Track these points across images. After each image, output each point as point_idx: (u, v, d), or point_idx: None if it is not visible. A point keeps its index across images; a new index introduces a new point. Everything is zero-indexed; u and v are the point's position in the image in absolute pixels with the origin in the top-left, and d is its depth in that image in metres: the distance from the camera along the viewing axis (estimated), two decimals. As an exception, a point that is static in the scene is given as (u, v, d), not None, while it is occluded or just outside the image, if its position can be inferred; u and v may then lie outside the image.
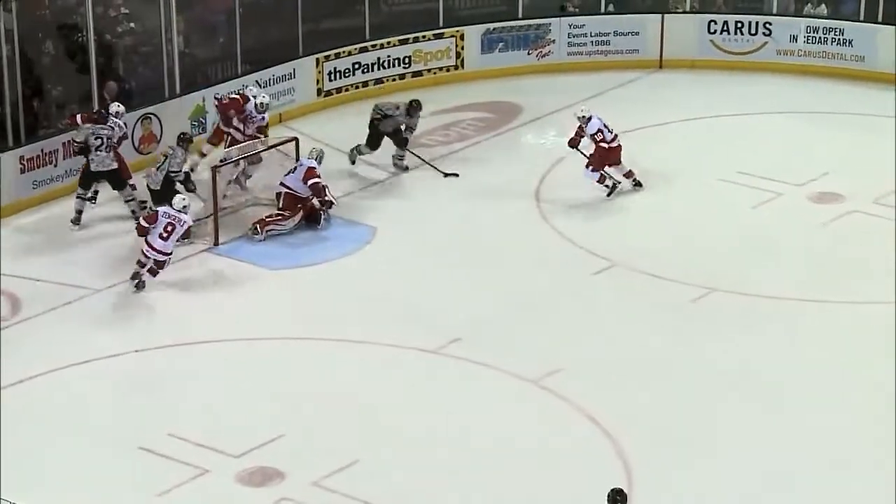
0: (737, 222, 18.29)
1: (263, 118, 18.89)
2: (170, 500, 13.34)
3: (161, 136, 19.76)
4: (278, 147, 18.62)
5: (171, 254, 16.66)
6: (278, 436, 14.14)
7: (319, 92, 21.54)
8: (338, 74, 21.68)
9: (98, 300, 16.64)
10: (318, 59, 21.49)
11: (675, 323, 16.10)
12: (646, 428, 14.24)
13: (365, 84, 21.93)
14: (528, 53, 22.74)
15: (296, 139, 18.71)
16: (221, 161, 18.08)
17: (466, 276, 17.10)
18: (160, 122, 19.78)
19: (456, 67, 22.49)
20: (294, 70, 21.23)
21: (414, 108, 19.43)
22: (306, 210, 17.93)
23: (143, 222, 16.69)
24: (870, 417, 14.46)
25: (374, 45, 21.96)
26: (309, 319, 16.27)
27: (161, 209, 16.70)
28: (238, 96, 19.04)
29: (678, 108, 21.39)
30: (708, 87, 22.14)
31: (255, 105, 18.84)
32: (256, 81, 20.62)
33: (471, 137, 20.60)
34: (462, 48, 22.49)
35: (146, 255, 16.61)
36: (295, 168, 17.99)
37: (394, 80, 22.10)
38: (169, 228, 16.54)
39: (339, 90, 21.69)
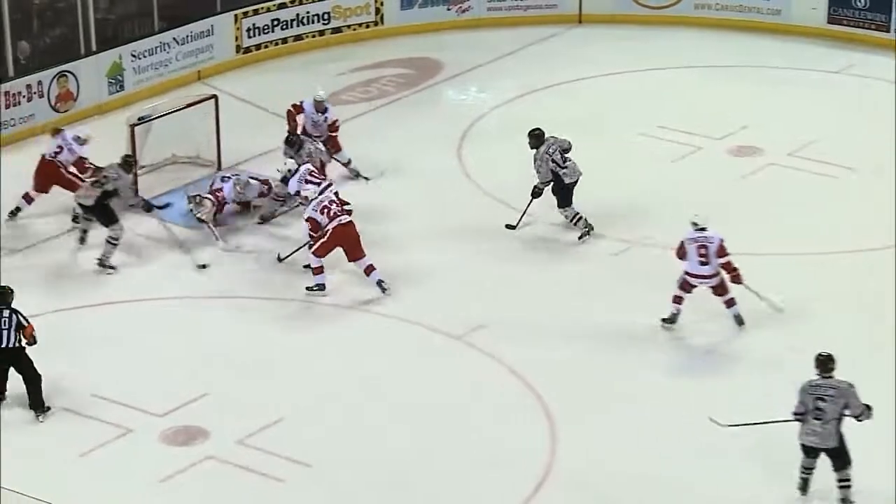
0: (657, 176, 18.32)
1: (326, 117, 17.95)
2: (94, 460, 13.30)
3: (77, 93, 19.67)
4: (198, 105, 18.35)
5: (715, 274, 15.01)
6: (201, 395, 14.10)
7: (238, 49, 21.46)
8: (256, 31, 21.59)
9: (16, 260, 16.49)
10: (236, 16, 21.37)
11: (595, 277, 16.16)
12: (568, 381, 14.31)
13: (284, 41, 21.87)
14: (448, 9, 22.67)
15: (215, 97, 18.51)
16: (140, 119, 17.81)
17: (388, 232, 17.04)
18: (76, 79, 19.69)
19: (375, 23, 22.41)
20: (212, 27, 21.11)
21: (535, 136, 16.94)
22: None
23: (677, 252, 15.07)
24: (795, 368, 14.31)
25: (292, 1, 21.84)
26: (228, 278, 16.23)
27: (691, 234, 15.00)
28: (292, 108, 18.05)
29: (597, 63, 21.38)
30: (626, 41, 22.13)
31: (313, 104, 17.92)
32: (174, 38, 20.68)
33: (391, 94, 20.52)
34: (381, 4, 22.37)
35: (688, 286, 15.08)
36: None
37: (313, 36, 22.05)
38: (702, 251, 15.00)
39: (258, 47, 21.63)
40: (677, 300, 15.09)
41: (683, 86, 20.81)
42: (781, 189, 18.11)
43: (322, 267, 15.82)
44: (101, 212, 16.31)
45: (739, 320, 15.13)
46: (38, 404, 13.88)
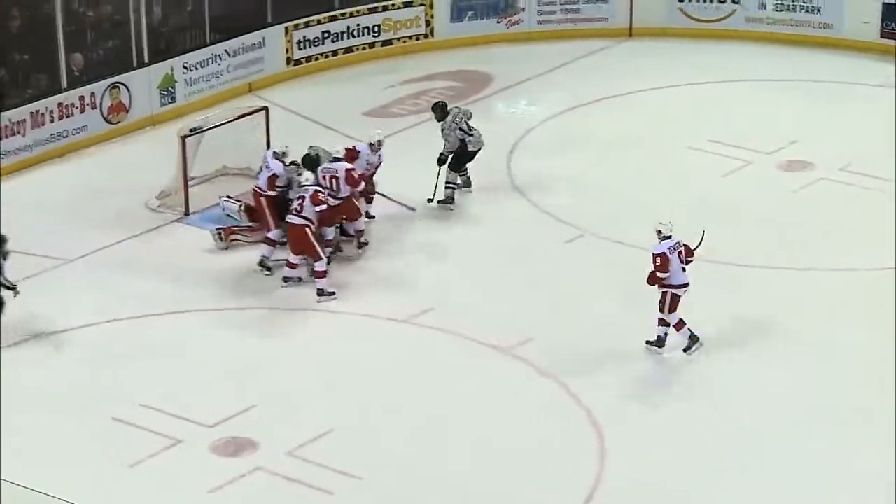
0: (707, 190, 18.24)
1: (380, 154, 17.41)
2: (143, 471, 13.31)
3: (130, 105, 19.79)
4: (248, 116, 18.39)
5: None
6: (251, 405, 14.11)
7: (289, 61, 21.55)
8: (307, 43, 21.68)
9: (68, 271, 16.56)
10: (287, 28, 21.47)
11: (646, 291, 15.71)
12: (616, 394, 14.31)
13: (335, 53, 21.96)
14: (498, 22, 22.73)
15: (265, 108, 18.56)
16: (191, 130, 17.88)
17: (437, 245, 17.11)
18: (129, 91, 19.83)
19: (426, 36, 22.48)
20: (263, 39, 21.23)
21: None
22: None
23: None
24: (840, 380, 14.55)
25: (343, 14, 21.94)
26: (278, 288, 16.25)
27: None
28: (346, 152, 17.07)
29: (647, 76, 21.41)
30: (677, 55, 22.20)
31: (368, 146, 17.29)
32: (226, 50, 20.79)
33: (441, 107, 20.68)
34: (432, 16, 22.45)
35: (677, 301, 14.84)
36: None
37: (363, 48, 22.17)
38: (681, 258, 14.71)
39: (308, 59, 21.72)
40: (664, 322, 14.79)
41: (734, 100, 20.76)
42: (832, 204, 18.00)
43: (294, 264, 16.11)
44: None
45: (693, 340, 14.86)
46: None
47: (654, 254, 14.66)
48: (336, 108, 20.33)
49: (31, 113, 18.89)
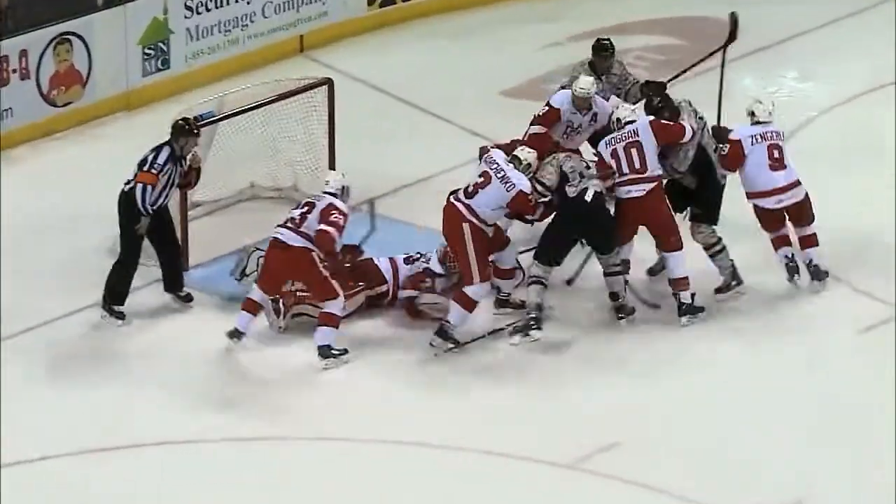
0: None
1: (595, 114, 18.10)
2: None
3: (89, 74, 20.16)
4: (298, 96, 18.66)
5: (797, 183, 16.89)
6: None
7: (371, 1, 21.73)
8: (404, -30, 22.02)
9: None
10: (367, -55, 22.10)
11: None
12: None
13: (451, -13, 21.98)
14: (742, -69, 22.82)
15: (329, 81, 18.72)
16: (196, 120, 17.63)
17: (647, 337, 17.20)
18: (87, 48, 20.18)
19: (618, -43, 22.79)
20: (326, -39, 21.73)
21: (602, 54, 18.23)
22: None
23: None
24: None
25: (469, -84, 22.63)
26: (338, 403, 16.50)
27: None
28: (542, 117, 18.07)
29: None
30: None
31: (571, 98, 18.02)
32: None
33: (646, 80, 19.80)
34: (628, -76, 22.98)
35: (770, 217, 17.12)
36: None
37: (503, -22, 21.86)
38: (776, 153, 16.87)
39: (403, -3, 21.93)
40: (782, 241, 17.15)
41: None
42: None
43: (252, 302, 17.00)
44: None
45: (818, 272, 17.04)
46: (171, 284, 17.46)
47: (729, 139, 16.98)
48: (454, 82, 20.78)
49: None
